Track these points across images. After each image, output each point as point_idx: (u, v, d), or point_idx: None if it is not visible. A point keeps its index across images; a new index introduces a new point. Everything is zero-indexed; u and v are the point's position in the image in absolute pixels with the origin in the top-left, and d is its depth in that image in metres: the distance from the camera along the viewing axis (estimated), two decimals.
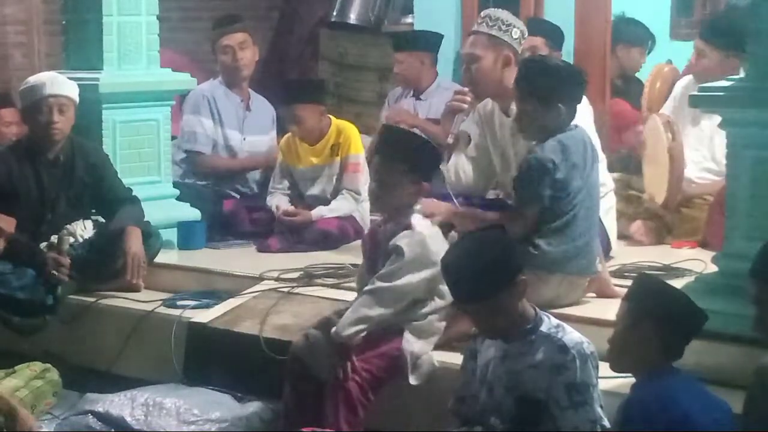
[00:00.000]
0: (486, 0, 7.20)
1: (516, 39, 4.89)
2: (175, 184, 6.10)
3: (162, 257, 5.52)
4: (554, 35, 6.45)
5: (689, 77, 6.07)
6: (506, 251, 3.50)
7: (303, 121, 5.91)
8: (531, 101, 4.39)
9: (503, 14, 4.99)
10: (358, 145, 6.00)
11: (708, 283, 4.07)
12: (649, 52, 7.22)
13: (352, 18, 8.60)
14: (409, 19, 8.08)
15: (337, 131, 6.01)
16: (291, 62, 9.09)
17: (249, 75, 6.60)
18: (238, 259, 5.60)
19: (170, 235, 5.77)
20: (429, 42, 6.80)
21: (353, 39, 8.60)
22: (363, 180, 5.78)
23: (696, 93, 4.09)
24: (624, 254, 5.27)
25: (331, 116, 6.09)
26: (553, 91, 4.36)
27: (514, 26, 4.95)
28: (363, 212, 5.85)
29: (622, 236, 5.54)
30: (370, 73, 8.35)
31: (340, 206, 5.89)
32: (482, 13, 5.05)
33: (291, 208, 5.94)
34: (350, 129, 6.04)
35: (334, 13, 8.68)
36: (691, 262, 4.98)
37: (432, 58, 6.77)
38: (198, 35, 8.41)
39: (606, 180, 5.06)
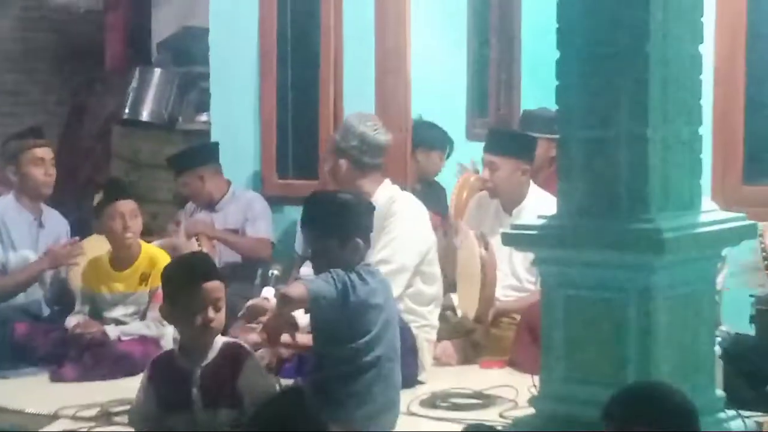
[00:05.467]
0: (284, 102, 7.16)
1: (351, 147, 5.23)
2: None
3: None
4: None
5: (484, 193, 6.06)
6: None
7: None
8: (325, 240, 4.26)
9: (377, 119, 5.47)
10: None
11: (528, 424, 3.98)
12: (448, 156, 7.21)
13: (145, 115, 8.43)
14: (204, 117, 7.97)
15: (149, 260, 5.73)
16: (82, 159, 8.82)
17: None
18: (30, 391, 5.24)
19: None
20: (205, 156, 6.71)
21: (147, 136, 8.39)
22: None
23: (508, 231, 4.03)
24: (434, 378, 5.17)
25: (142, 242, 5.81)
26: (348, 226, 4.25)
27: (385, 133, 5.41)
28: (167, 337, 5.55)
29: None
30: (165, 171, 8.12)
31: (141, 328, 5.63)
32: (358, 114, 5.48)
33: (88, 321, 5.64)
34: (163, 259, 5.71)
35: (126, 110, 8.47)
36: (504, 389, 4.90)
37: (213, 170, 6.67)
38: None
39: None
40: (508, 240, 4.03)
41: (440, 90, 7.43)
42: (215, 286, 3.96)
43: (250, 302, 4.72)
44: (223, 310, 3.97)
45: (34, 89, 9.11)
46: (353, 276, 4.15)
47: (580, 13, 3.87)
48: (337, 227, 4.22)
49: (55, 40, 9.16)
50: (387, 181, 5.48)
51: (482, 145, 7.04)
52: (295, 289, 4.21)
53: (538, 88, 7.71)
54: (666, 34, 3.81)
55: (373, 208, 4.44)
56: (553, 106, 6.68)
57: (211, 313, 3.91)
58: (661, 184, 3.81)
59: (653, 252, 3.69)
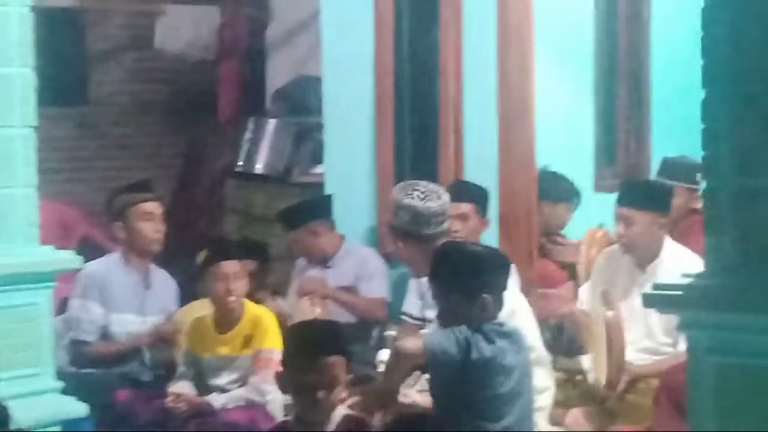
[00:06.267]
0: (401, 152, 6.85)
1: (404, 222, 4.66)
2: (59, 374, 5.40)
3: None
4: (482, 199, 5.98)
5: (613, 248, 5.65)
6: None
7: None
8: (450, 295, 3.94)
9: (425, 185, 4.65)
10: (274, 337, 5.34)
11: None
12: (575, 208, 6.80)
13: (259, 167, 8.26)
14: (319, 169, 7.72)
15: (252, 320, 5.40)
16: (194, 214, 8.66)
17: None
18: None
19: None
20: (318, 210, 6.42)
21: (261, 189, 8.21)
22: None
23: (650, 292, 3.60)
24: None
25: (246, 300, 5.49)
26: (475, 281, 3.94)
27: (438, 196, 4.55)
28: (273, 404, 5.21)
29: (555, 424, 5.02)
30: (278, 225, 7.90)
31: (244, 395, 5.29)
32: (403, 185, 4.68)
33: (190, 393, 5.33)
34: (268, 320, 5.42)
35: (240, 162, 8.30)
36: None
37: (326, 224, 6.37)
38: (90, 186, 7.91)
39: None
40: (650, 301, 3.60)
41: (566, 138, 7.02)
42: (334, 363, 3.70)
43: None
44: (340, 389, 3.67)
45: (147, 142, 9.02)
46: (478, 334, 3.79)
47: (728, 44, 3.45)
48: (463, 282, 3.91)
49: (168, 92, 9.05)
50: None
51: (610, 196, 6.66)
52: (411, 342, 3.89)
53: (668, 136, 7.34)
54: None
55: (509, 263, 4.12)
56: (684, 153, 6.49)
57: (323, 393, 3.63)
58: None
59: None
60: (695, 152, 6.28)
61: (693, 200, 6.06)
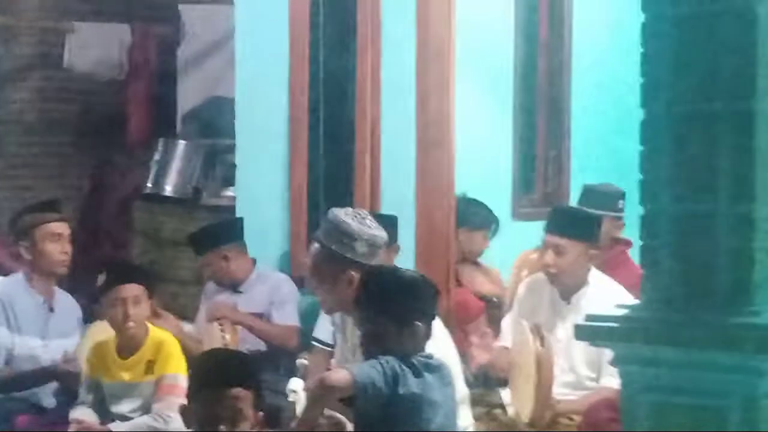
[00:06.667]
0: (315, 175, 6.63)
1: (361, 254, 4.24)
2: None
3: None
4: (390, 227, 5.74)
5: (537, 277, 5.47)
6: None
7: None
8: (380, 321, 3.72)
9: (364, 213, 4.44)
10: (178, 362, 5.13)
11: None
12: (492, 236, 6.63)
13: (168, 189, 8.01)
14: (230, 192, 7.49)
15: (155, 345, 5.16)
16: (101, 237, 8.37)
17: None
18: None
19: None
20: (228, 234, 6.20)
21: (169, 212, 7.95)
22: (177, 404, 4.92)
23: (582, 323, 3.41)
24: None
25: (150, 324, 5.25)
26: (409, 308, 3.75)
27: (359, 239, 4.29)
28: None
29: None
30: (187, 249, 7.66)
31: (147, 422, 5.03)
32: (349, 213, 4.40)
33: (92, 421, 5.07)
34: (171, 345, 5.19)
35: (149, 184, 8.04)
36: None
37: (237, 248, 6.14)
38: None
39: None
40: (582, 333, 3.43)
41: (484, 165, 6.86)
42: (238, 395, 3.45)
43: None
44: (245, 424, 3.43)
45: (53, 162, 8.69)
46: (405, 367, 3.59)
47: (669, 63, 3.28)
48: (395, 307, 3.73)
49: (76, 112, 8.78)
50: None
51: (528, 224, 6.52)
52: (338, 375, 3.66)
53: (588, 164, 7.22)
54: None
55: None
56: (604, 181, 6.36)
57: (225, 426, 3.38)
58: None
59: (761, 351, 3.08)
60: (614, 180, 6.27)
61: (615, 229, 5.93)
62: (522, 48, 7.22)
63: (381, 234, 4.39)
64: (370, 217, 4.48)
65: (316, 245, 4.37)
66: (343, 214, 4.35)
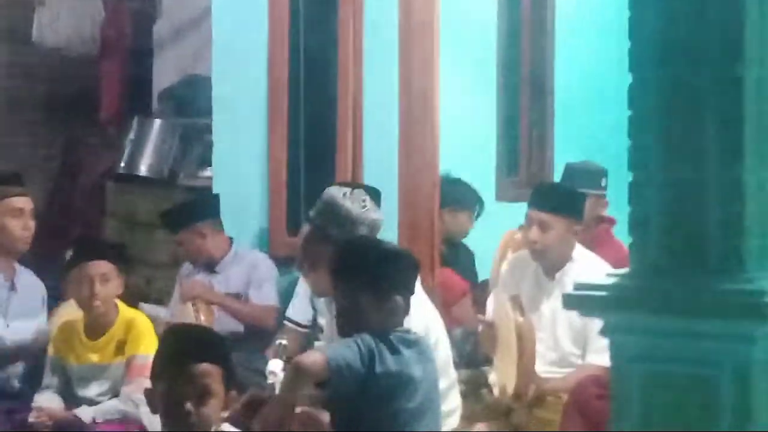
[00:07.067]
0: (296, 152, 6.51)
1: None
2: None
3: None
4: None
5: (521, 254, 5.38)
6: None
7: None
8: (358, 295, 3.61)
9: (359, 192, 4.39)
10: (150, 342, 4.96)
11: None
12: (477, 217, 6.53)
13: (143, 170, 7.86)
14: (207, 172, 7.34)
15: (125, 325, 5.01)
16: (72, 218, 8.21)
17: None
18: None
19: None
20: (204, 210, 6.05)
21: (144, 193, 7.79)
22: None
23: (571, 293, 3.30)
24: None
25: (120, 303, 5.09)
26: (388, 280, 3.63)
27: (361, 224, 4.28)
28: (148, 416, 4.80)
29: None
30: (163, 231, 7.52)
31: (116, 406, 4.91)
32: (346, 194, 4.37)
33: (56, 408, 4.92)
34: (142, 323, 5.05)
35: (123, 164, 7.88)
36: None
37: (213, 225, 6.00)
38: None
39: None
40: (572, 302, 3.31)
41: (468, 146, 6.78)
42: (205, 371, 3.26)
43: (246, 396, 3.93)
44: (215, 402, 3.25)
45: (22, 141, 8.48)
46: (382, 344, 3.46)
47: (656, 30, 3.18)
48: (374, 280, 3.59)
49: (45, 89, 8.55)
50: None
51: (511, 205, 6.42)
52: (311, 358, 3.53)
53: (571, 144, 7.13)
54: (765, 58, 3.13)
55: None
56: (588, 159, 6.27)
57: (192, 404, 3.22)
58: (759, 237, 3.11)
59: (753, 318, 2.97)
60: (597, 160, 6.18)
61: (599, 207, 5.85)
62: (505, 27, 7.14)
63: (380, 216, 4.31)
64: (364, 194, 4.38)
65: (311, 228, 4.25)
66: (341, 197, 4.25)
